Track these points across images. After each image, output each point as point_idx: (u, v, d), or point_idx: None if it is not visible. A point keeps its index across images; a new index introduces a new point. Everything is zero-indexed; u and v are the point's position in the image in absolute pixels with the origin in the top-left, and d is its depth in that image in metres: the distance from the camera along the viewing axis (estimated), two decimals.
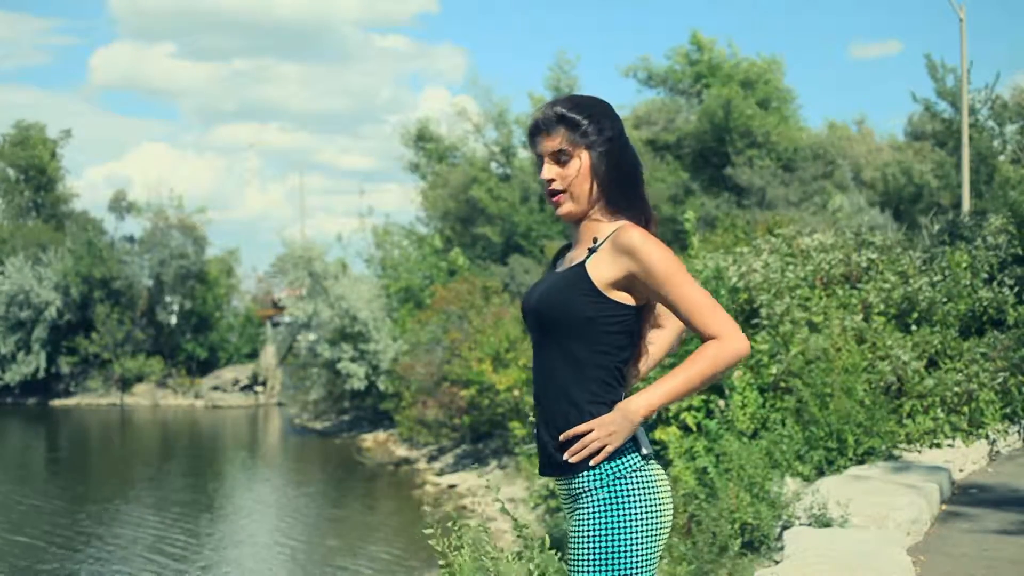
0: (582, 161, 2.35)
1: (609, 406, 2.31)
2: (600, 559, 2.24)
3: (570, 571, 2.30)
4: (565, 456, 2.30)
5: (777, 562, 4.95)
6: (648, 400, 2.26)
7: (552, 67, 33.68)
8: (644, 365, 2.51)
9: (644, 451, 2.30)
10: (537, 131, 2.39)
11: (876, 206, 26.44)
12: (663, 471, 2.36)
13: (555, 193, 2.38)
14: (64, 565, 14.52)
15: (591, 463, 2.27)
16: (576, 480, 2.30)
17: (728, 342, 2.24)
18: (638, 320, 2.37)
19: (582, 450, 2.27)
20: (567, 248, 2.52)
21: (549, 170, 2.37)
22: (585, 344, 2.31)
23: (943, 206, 24.25)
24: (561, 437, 2.30)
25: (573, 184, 2.35)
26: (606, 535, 2.24)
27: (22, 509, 18.85)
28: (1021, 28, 60.25)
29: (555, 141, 2.35)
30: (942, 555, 5.22)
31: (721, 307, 2.28)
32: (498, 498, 4.24)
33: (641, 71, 33.43)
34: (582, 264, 2.33)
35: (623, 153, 2.39)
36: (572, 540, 2.31)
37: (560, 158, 2.36)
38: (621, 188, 2.37)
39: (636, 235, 2.28)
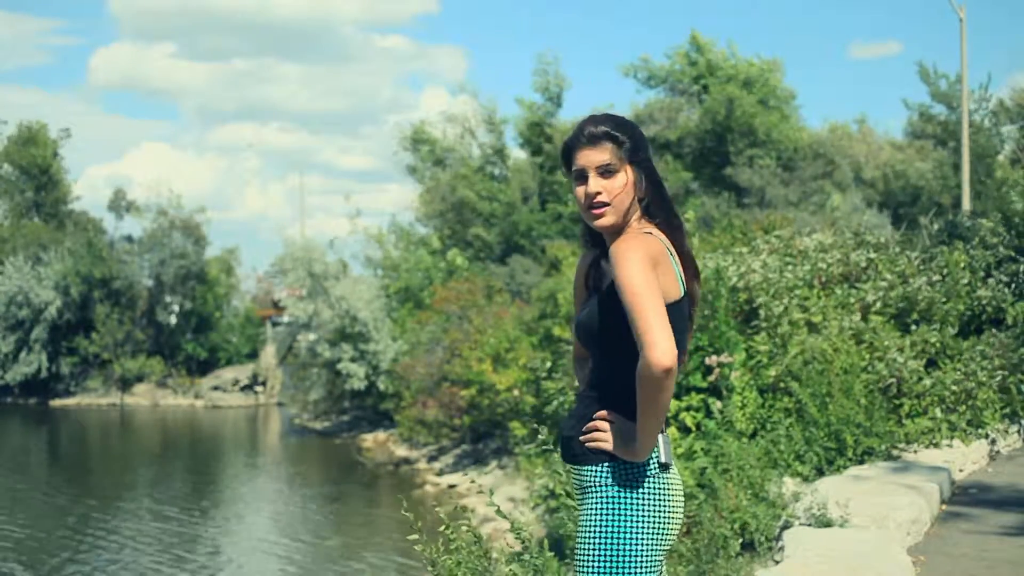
0: (628, 176, 2.45)
1: (627, 415, 2.38)
2: (602, 553, 2.34)
3: (575, 560, 2.42)
4: (583, 431, 2.42)
5: (777, 562, 4.94)
6: (639, 440, 2.32)
7: (536, 70, 33.69)
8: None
9: (663, 459, 2.39)
10: (581, 145, 2.47)
11: (875, 206, 26.46)
12: (680, 482, 2.45)
13: (599, 205, 2.45)
14: (64, 564, 14.52)
15: (584, 442, 2.41)
16: (587, 470, 2.41)
17: (643, 358, 2.20)
18: (672, 317, 2.35)
19: (593, 432, 2.41)
20: (598, 257, 2.57)
21: (596, 183, 2.44)
22: (609, 353, 2.43)
23: (942, 206, 24.25)
24: (593, 421, 2.41)
25: (618, 197, 2.44)
26: (610, 531, 2.34)
27: (21, 508, 18.85)
28: (1021, 28, 60.25)
29: (603, 155, 2.44)
30: (942, 555, 5.21)
31: (655, 319, 2.21)
32: (492, 502, 4.24)
33: (641, 71, 33.46)
34: (611, 283, 2.40)
35: (654, 170, 2.52)
36: (580, 530, 2.41)
37: (606, 171, 2.44)
38: (657, 201, 2.49)
39: (620, 245, 2.33)
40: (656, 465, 2.38)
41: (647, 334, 2.20)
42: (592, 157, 2.45)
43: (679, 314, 2.41)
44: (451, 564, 3.95)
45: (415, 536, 4.02)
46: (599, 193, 2.43)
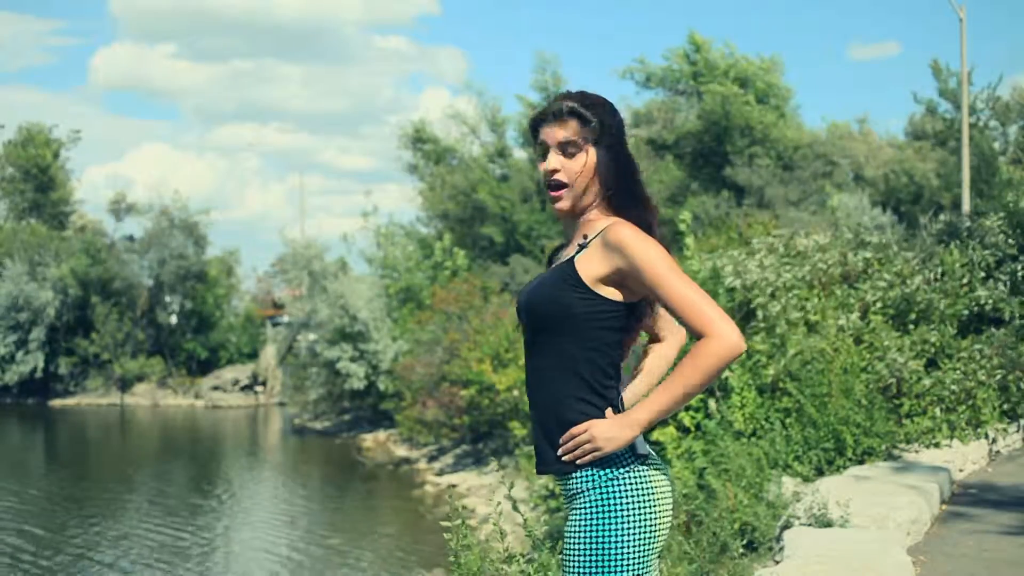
0: (588, 156, 2.34)
1: (598, 405, 2.30)
2: (590, 561, 2.23)
3: (562, 571, 2.30)
4: (559, 452, 2.29)
5: (777, 562, 4.94)
6: (649, 411, 2.23)
7: (536, 69, 33.70)
8: (643, 382, 2.51)
9: (640, 451, 2.28)
10: (545, 120, 2.38)
11: (877, 206, 26.45)
12: (662, 471, 2.34)
13: (557, 186, 2.36)
14: (64, 565, 14.51)
15: (579, 462, 2.26)
16: (572, 480, 2.29)
17: (717, 340, 2.16)
18: (630, 317, 2.35)
19: (574, 449, 2.26)
20: (562, 247, 2.51)
21: (555, 160, 2.35)
22: (575, 341, 2.30)
23: (943, 206, 24.25)
24: (561, 439, 2.29)
25: (577, 179, 2.34)
26: (597, 537, 2.23)
27: (20, 508, 18.84)
28: (1021, 28, 60.22)
29: (566, 131, 2.34)
30: (942, 555, 5.21)
31: (713, 302, 2.21)
32: (509, 495, 4.22)
33: (638, 72, 33.46)
34: (571, 260, 2.32)
35: (625, 153, 2.39)
36: (565, 540, 2.30)
37: (567, 150, 2.34)
38: (624, 187, 2.37)
39: (625, 231, 2.26)
40: (636, 459, 2.27)
41: (713, 316, 2.17)
42: (555, 133, 2.35)
43: (646, 308, 2.38)
44: (471, 560, 3.94)
45: (447, 523, 4.02)
46: (556, 171, 2.34)
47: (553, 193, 2.36)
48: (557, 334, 2.31)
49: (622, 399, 2.38)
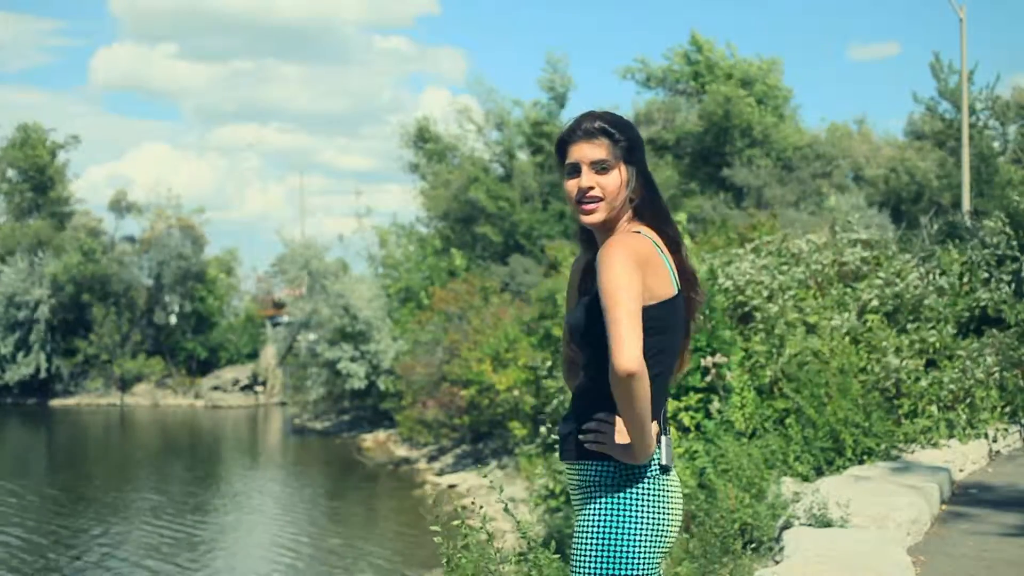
0: (621, 174, 2.42)
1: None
2: (601, 554, 2.30)
3: (572, 560, 2.37)
4: (582, 432, 2.37)
5: (777, 562, 4.95)
6: (633, 447, 2.30)
7: (545, 68, 33.63)
8: None
9: (663, 462, 2.36)
10: (576, 139, 2.44)
11: (876, 205, 26.45)
12: (679, 486, 2.43)
13: (591, 200, 2.41)
14: (64, 565, 14.52)
15: (587, 446, 2.36)
16: (589, 467, 2.37)
17: (610, 361, 2.20)
18: (672, 315, 2.39)
19: (598, 435, 2.36)
20: (592, 260, 2.56)
21: (590, 178, 2.41)
22: (606, 356, 2.35)
23: (943, 206, 24.26)
24: (595, 416, 2.36)
25: (611, 195, 2.41)
26: (609, 531, 2.31)
27: (20, 509, 18.84)
28: (1021, 28, 60.25)
29: (599, 151, 2.41)
30: (942, 555, 5.22)
31: (631, 327, 2.21)
32: (501, 499, 4.24)
33: (639, 72, 33.43)
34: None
35: (648, 173, 2.49)
36: (577, 531, 2.37)
37: (600, 168, 2.42)
38: (650, 202, 2.46)
39: (605, 250, 2.31)
40: (657, 467, 2.35)
41: (614, 338, 2.19)
42: (587, 152, 2.42)
43: (673, 312, 2.39)
44: (465, 562, 3.95)
45: (436, 527, 4.03)
46: (591, 188, 2.41)
47: (587, 207, 2.42)
48: (585, 347, 2.42)
49: (664, 413, 2.43)
